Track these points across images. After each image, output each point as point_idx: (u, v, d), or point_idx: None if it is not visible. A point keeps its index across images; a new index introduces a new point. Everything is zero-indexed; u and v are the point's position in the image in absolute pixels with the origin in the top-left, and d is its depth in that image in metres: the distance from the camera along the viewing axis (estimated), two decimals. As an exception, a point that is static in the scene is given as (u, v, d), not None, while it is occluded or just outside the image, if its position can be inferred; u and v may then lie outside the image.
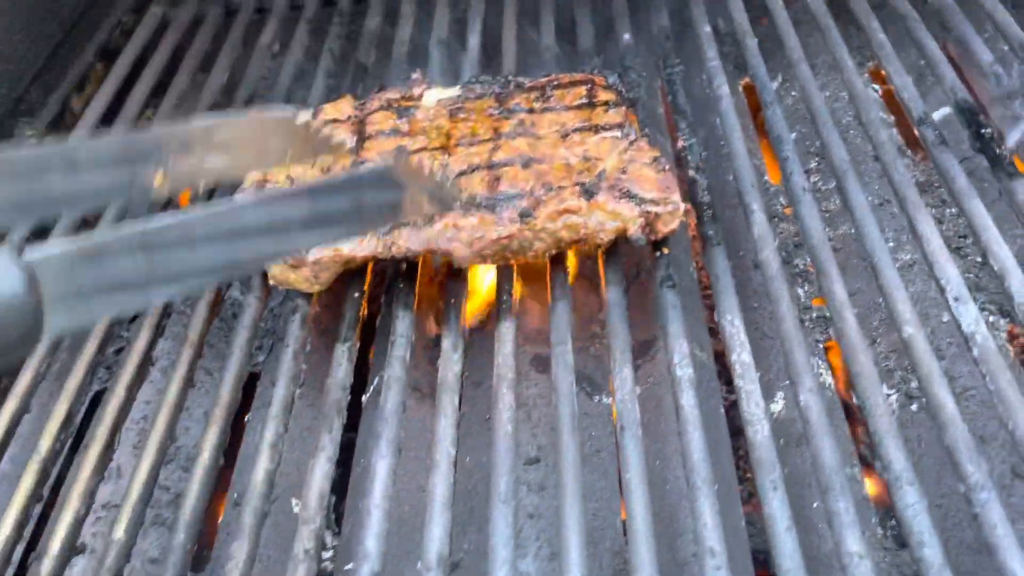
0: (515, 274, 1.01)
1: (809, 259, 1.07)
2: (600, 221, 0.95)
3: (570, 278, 1.01)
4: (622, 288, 0.96)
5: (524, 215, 0.95)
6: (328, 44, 1.42)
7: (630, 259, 1.01)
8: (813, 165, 1.26)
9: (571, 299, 0.96)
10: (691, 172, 1.08)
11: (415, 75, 1.22)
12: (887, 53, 1.23)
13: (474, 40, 1.36)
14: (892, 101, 1.36)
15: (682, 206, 0.96)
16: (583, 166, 1.00)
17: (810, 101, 1.19)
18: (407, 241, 0.96)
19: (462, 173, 1.01)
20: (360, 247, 0.97)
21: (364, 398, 1.05)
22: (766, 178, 1.26)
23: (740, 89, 1.41)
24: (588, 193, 0.95)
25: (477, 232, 0.95)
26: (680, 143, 1.12)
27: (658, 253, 0.98)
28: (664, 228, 0.97)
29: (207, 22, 1.56)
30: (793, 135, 1.33)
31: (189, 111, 1.37)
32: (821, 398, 0.83)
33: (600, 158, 1.00)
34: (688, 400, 0.85)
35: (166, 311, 1.04)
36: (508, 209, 0.96)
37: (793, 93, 1.37)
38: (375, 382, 1.06)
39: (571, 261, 1.05)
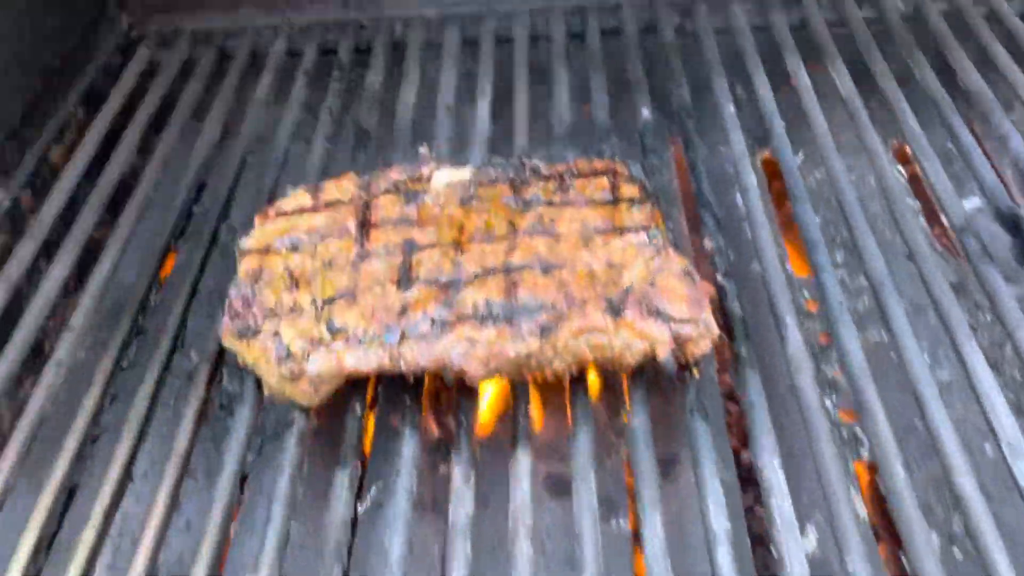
0: (530, 386, 0.94)
1: (838, 367, 1.01)
2: (627, 342, 0.88)
3: (592, 396, 0.94)
4: (647, 412, 0.89)
5: (545, 331, 0.88)
6: (328, 101, 1.35)
7: (655, 376, 0.94)
8: (840, 258, 1.20)
9: (593, 422, 0.89)
10: (720, 277, 1.02)
11: (422, 150, 1.15)
12: (916, 136, 1.18)
13: (484, 107, 1.29)
14: (917, 183, 1.31)
15: (715, 329, 0.89)
16: (608, 275, 0.93)
17: (837, 186, 1.13)
18: (416, 355, 0.88)
19: (476, 276, 0.94)
20: (365, 359, 0.89)
21: (360, 509, 0.97)
22: (789, 268, 1.20)
23: (759, 165, 1.34)
24: (615, 310, 0.88)
25: (494, 347, 0.88)
26: (708, 243, 1.06)
27: (687, 374, 0.91)
28: (695, 351, 0.90)
29: (200, 66, 1.47)
30: (818, 219, 1.27)
31: (179, 168, 1.29)
32: (860, 540, 0.78)
33: (626, 266, 0.93)
34: (719, 524, 0.79)
35: (148, 416, 0.96)
36: (528, 322, 0.89)
37: (816, 175, 1.31)
38: (372, 492, 0.98)
39: (592, 377, 0.98)
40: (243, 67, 1.46)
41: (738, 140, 1.20)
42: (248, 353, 0.92)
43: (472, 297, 0.92)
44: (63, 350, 1.01)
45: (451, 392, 0.97)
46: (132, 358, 1.08)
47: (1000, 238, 1.07)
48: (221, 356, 1.00)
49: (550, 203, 1.02)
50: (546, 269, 0.93)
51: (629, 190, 1.03)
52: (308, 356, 0.89)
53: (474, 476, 0.85)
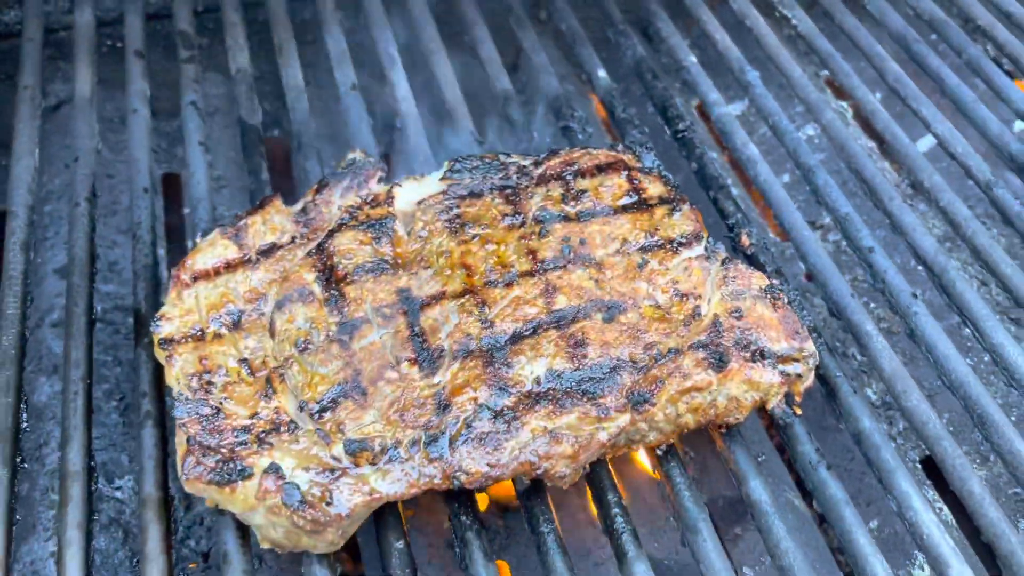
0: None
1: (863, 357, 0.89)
2: (734, 397, 0.71)
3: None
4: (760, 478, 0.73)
5: (639, 402, 0.68)
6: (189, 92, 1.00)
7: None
8: (824, 222, 1.09)
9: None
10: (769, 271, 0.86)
11: (355, 155, 0.88)
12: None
13: (400, 80, 1.01)
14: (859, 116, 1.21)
15: (817, 356, 0.74)
16: (680, 309, 0.74)
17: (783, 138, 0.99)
18: (480, 465, 0.65)
19: (520, 336, 0.71)
20: (407, 483, 0.65)
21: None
22: (772, 236, 1.07)
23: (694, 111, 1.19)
24: (721, 361, 0.70)
25: (581, 434, 0.67)
26: (744, 239, 0.89)
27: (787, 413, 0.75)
28: (801, 389, 0.74)
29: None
30: (786, 177, 1.14)
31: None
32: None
33: (697, 293, 0.75)
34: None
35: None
36: (610, 393, 0.69)
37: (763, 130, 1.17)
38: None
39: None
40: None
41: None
42: (233, 502, 0.65)
43: (529, 369, 0.69)
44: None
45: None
46: (29, 515, 0.76)
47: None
48: (164, 486, 0.71)
49: (565, 218, 0.80)
50: (609, 317, 0.73)
51: (653, 187, 0.83)
52: (331, 495, 0.63)
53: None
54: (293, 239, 0.80)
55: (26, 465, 0.80)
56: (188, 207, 1.00)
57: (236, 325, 0.74)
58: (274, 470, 0.64)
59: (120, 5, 1.10)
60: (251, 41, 1.07)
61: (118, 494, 0.82)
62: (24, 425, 0.75)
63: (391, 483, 0.65)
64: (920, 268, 0.91)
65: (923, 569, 0.83)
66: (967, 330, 0.88)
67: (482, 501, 0.84)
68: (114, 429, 0.86)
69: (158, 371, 0.76)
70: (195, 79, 1.01)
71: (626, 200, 0.82)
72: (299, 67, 1.03)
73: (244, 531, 0.68)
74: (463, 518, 0.70)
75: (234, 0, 1.10)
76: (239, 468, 0.64)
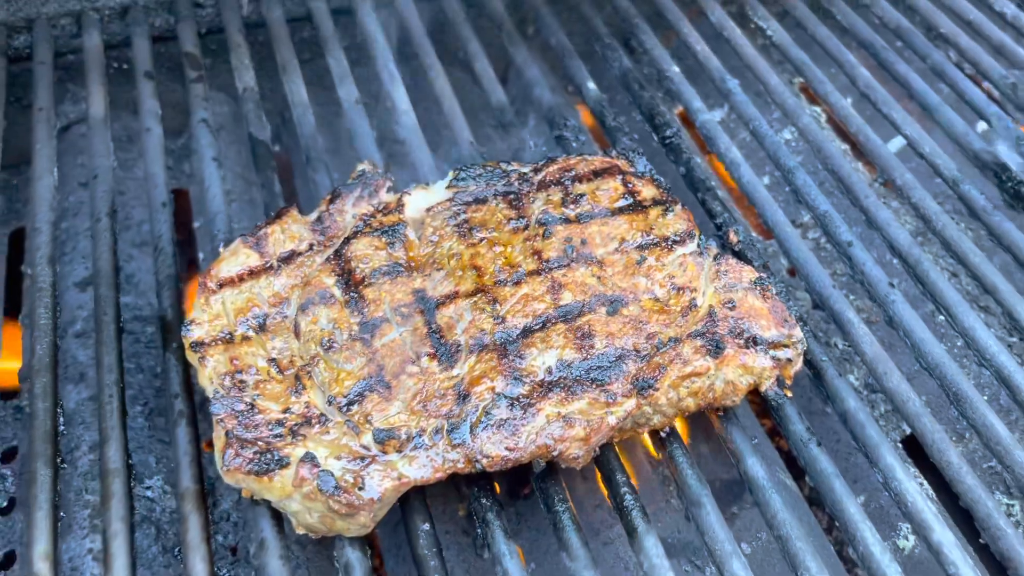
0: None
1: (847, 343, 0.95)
2: (730, 381, 0.76)
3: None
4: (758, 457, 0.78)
5: (643, 388, 0.74)
6: (199, 111, 1.05)
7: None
8: (806, 219, 1.15)
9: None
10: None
11: (364, 166, 0.93)
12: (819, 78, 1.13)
13: (400, 96, 1.07)
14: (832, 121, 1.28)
15: (805, 341, 0.80)
16: (678, 301, 0.79)
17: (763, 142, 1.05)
18: (500, 449, 0.70)
19: (530, 330, 0.77)
20: (432, 467, 0.70)
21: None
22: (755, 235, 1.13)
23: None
24: (717, 348, 0.75)
25: (592, 418, 0.72)
26: (732, 236, 0.95)
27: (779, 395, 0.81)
28: (791, 373, 0.80)
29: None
30: (767, 179, 1.21)
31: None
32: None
33: (692, 287, 0.80)
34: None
35: None
36: (617, 380, 0.74)
37: (743, 135, 1.23)
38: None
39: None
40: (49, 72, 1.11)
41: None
42: (271, 490, 0.69)
43: (540, 360, 0.75)
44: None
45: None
46: (66, 514, 0.80)
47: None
48: (201, 480, 0.75)
49: (566, 220, 0.86)
50: (613, 310, 0.78)
51: (647, 189, 0.89)
52: (363, 481, 0.68)
53: None
54: (311, 246, 0.85)
55: (65, 466, 0.84)
56: (201, 220, 1.05)
57: (262, 327, 0.78)
58: (309, 459, 0.68)
59: (127, 28, 1.14)
60: (253, 60, 1.12)
61: (148, 493, 0.86)
62: (61, 428, 0.79)
63: (418, 468, 0.70)
64: (895, 261, 0.97)
65: (907, 539, 0.89)
66: (941, 317, 0.95)
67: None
68: (140, 432, 0.90)
69: (187, 374, 0.81)
70: (204, 98, 1.06)
71: (622, 202, 0.87)
72: (303, 84, 1.08)
73: (278, 519, 0.72)
74: (483, 500, 0.75)
75: (237, 21, 1.15)
76: (276, 458, 0.69)
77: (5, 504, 0.85)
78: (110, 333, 0.83)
